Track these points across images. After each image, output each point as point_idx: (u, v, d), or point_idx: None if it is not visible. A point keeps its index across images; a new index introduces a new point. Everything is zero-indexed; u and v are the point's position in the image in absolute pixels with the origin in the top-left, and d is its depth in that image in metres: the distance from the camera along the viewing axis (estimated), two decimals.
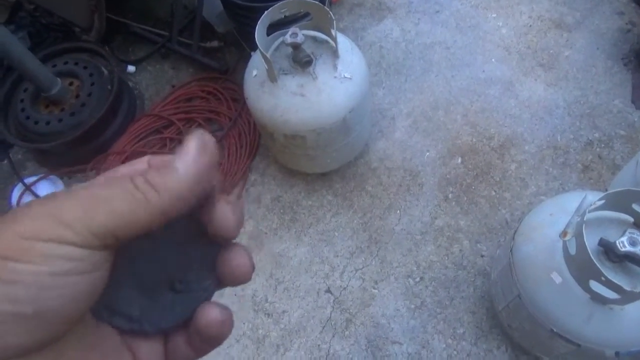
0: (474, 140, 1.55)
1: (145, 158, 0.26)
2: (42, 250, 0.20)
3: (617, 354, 0.90)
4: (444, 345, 1.28)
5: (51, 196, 0.22)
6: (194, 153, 0.24)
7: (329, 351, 1.30)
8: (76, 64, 1.62)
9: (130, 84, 1.78)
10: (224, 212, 0.26)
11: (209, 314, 0.26)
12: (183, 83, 1.76)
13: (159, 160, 0.26)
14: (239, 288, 1.41)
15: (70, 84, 1.61)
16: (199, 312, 0.26)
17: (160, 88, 1.79)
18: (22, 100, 1.56)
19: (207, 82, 1.74)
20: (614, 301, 0.84)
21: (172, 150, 1.60)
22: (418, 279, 1.37)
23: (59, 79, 1.54)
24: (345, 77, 1.20)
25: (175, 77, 1.80)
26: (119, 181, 0.23)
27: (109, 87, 1.59)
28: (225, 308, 0.26)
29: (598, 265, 0.77)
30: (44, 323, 0.20)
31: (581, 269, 0.85)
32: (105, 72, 1.62)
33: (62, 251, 0.20)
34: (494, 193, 1.46)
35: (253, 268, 0.27)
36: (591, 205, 0.85)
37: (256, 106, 1.23)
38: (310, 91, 1.18)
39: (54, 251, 0.20)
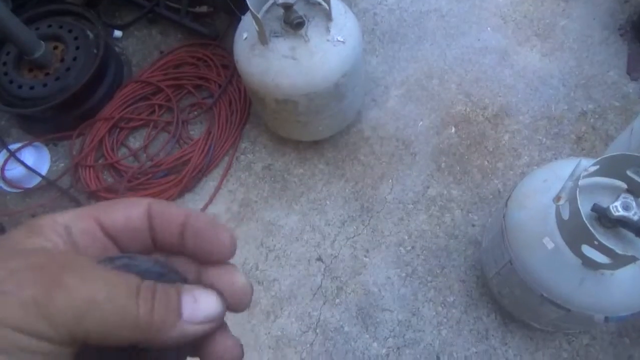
0: (468, 109, 1.53)
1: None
2: (18, 343, 0.19)
3: (606, 318, 0.90)
4: (434, 313, 1.29)
5: (46, 275, 0.20)
6: (204, 314, 0.23)
7: (319, 318, 1.30)
8: (60, 27, 1.56)
9: (117, 49, 1.73)
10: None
11: None
12: (171, 49, 1.71)
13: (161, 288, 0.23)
14: None
15: (55, 47, 1.56)
16: None
17: (148, 54, 1.74)
18: (4, 64, 1.51)
19: (196, 48, 1.69)
20: (605, 266, 0.84)
21: (160, 117, 1.57)
22: (409, 248, 1.36)
23: (42, 42, 1.48)
24: (339, 41, 1.17)
25: (163, 43, 1.76)
26: (123, 283, 0.21)
27: (95, 51, 1.54)
28: None
29: (591, 229, 0.77)
30: None
31: (574, 233, 0.84)
32: (91, 36, 1.57)
33: (37, 346, 0.19)
34: (486, 163, 1.45)
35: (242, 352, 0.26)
36: (585, 170, 0.84)
37: (246, 70, 1.20)
38: (302, 54, 1.15)
39: (30, 346, 0.19)
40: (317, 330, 1.29)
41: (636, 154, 0.81)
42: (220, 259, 0.25)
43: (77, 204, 1.51)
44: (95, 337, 0.20)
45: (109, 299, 0.20)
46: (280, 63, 1.15)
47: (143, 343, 0.21)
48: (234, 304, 0.25)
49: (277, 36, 1.16)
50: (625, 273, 0.86)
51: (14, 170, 1.51)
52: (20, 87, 1.48)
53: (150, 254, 0.26)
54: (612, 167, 0.86)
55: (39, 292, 0.19)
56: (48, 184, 1.53)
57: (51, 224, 0.23)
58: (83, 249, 0.24)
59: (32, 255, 0.21)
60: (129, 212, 0.25)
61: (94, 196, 1.51)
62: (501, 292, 1.13)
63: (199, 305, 0.23)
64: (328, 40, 1.16)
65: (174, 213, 0.25)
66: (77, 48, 1.53)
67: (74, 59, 1.52)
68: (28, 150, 1.55)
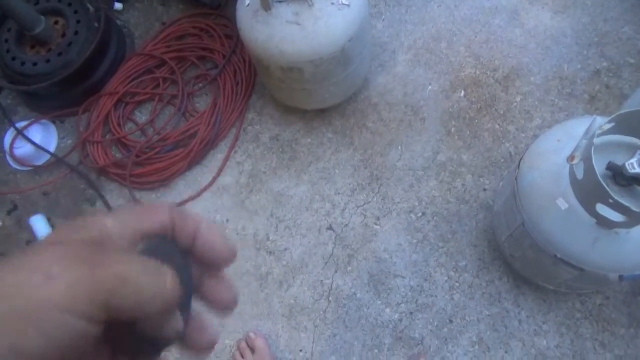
0: (478, 72, 1.49)
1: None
2: (55, 322, 0.21)
3: (620, 277, 0.90)
4: (446, 278, 1.29)
5: (86, 259, 0.22)
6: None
7: (331, 286, 1.31)
8: (59, 0, 1.54)
9: (119, 22, 1.70)
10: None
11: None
12: (173, 20, 1.68)
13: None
14: (239, 227, 1.40)
15: (56, 22, 1.53)
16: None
17: (150, 26, 1.72)
18: (6, 41, 1.50)
19: (199, 18, 1.66)
20: (620, 224, 0.82)
21: (165, 90, 1.56)
22: (420, 214, 1.36)
23: (42, 17, 1.46)
24: (343, 4, 1.14)
25: (165, 14, 1.72)
26: (152, 263, 0.25)
27: (96, 24, 1.52)
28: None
29: (606, 187, 0.75)
30: None
31: (588, 192, 0.82)
32: (91, 9, 1.54)
33: (72, 326, 0.21)
34: (497, 126, 1.42)
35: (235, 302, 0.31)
36: (600, 127, 0.82)
37: (250, 37, 1.18)
38: (306, 19, 1.12)
39: (65, 326, 0.21)
40: (330, 298, 1.30)
41: None
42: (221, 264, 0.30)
43: (87, 180, 1.52)
44: (127, 307, 0.23)
45: (143, 273, 0.23)
46: (284, 29, 1.13)
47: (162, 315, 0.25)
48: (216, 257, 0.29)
49: (280, 1, 1.13)
50: None
51: (23, 148, 1.51)
52: (23, 63, 1.47)
53: None
54: (627, 124, 0.84)
55: (83, 273, 0.22)
56: (57, 160, 1.53)
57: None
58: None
59: (72, 244, 0.24)
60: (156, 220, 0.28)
61: (103, 172, 1.51)
62: (513, 254, 1.13)
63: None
64: (332, 4, 1.13)
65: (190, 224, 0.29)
66: (78, 22, 1.51)
67: (75, 33, 1.50)
68: (35, 127, 1.55)
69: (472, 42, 1.53)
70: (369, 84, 1.51)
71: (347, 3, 1.14)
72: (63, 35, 1.51)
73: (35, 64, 1.47)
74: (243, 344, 1.25)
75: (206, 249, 0.29)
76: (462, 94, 1.47)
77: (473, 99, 1.46)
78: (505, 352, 1.20)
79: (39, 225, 1.46)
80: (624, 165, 0.79)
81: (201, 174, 1.49)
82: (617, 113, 0.81)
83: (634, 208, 0.74)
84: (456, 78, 1.49)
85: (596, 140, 0.81)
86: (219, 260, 0.29)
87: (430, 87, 1.49)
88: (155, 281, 0.24)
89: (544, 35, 1.52)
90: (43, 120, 1.58)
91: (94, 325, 0.22)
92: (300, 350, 1.27)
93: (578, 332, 1.20)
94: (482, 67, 1.50)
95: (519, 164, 0.99)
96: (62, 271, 0.21)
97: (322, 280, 1.32)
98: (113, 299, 0.22)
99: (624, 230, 0.85)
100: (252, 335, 1.25)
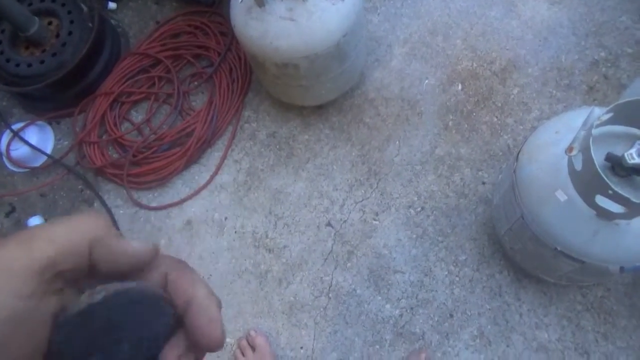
0: (475, 65, 1.48)
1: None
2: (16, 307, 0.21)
3: (621, 269, 0.89)
4: (446, 273, 1.28)
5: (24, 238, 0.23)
6: (134, 246, 0.26)
7: (331, 283, 1.31)
8: (53, 1, 1.53)
9: (113, 22, 1.69)
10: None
11: None
12: (168, 19, 1.67)
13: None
14: (238, 225, 1.40)
15: (49, 23, 1.52)
16: None
17: (145, 25, 1.71)
18: (0, 42, 1.49)
19: (193, 16, 1.65)
20: (620, 216, 0.82)
21: (161, 89, 1.55)
22: (419, 209, 1.35)
23: (36, 17, 1.45)
24: None
25: (159, 13, 1.71)
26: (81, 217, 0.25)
27: (90, 24, 1.51)
28: None
29: (605, 178, 0.74)
30: None
31: (587, 184, 0.82)
32: (85, 9, 1.53)
33: (9, 309, 0.21)
34: (495, 119, 1.42)
35: (224, 336, 0.26)
36: (599, 118, 0.81)
37: (244, 34, 1.17)
38: (300, 15, 1.11)
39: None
40: (330, 295, 1.30)
41: None
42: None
43: (84, 181, 1.51)
44: (67, 260, 0.23)
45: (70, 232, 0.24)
46: (278, 25, 1.12)
47: (99, 259, 0.24)
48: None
49: None
50: None
51: (19, 150, 1.50)
52: (17, 65, 1.46)
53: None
54: (626, 114, 0.83)
55: (22, 251, 0.22)
56: (54, 162, 1.53)
57: None
58: None
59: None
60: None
61: (100, 172, 1.51)
62: (513, 248, 1.12)
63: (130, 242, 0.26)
64: None
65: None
66: (72, 22, 1.50)
67: (69, 33, 1.49)
68: (31, 129, 1.54)
69: (468, 35, 1.52)
70: (366, 79, 1.50)
71: None
72: (57, 35, 1.50)
73: (29, 65, 1.46)
74: (244, 342, 1.24)
75: (194, 331, 0.26)
76: (459, 87, 1.46)
77: (470, 92, 1.45)
78: (507, 345, 1.20)
79: None
80: (623, 155, 0.79)
81: (199, 173, 1.48)
82: (616, 103, 0.80)
83: (633, 199, 0.73)
84: (453, 71, 1.48)
85: (594, 131, 0.80)
86: (202, 346, 0.26)
87: (427, 81, 1.48)
88: (84, 229, 0.24)
89: (540, 27, 1.51)
90: (39, 122, 1.57)
91: (36, 299, 0.22)
92: (301, 348, 1.26)
93: (579, 324, 1.20)
94: (479, 59, 1.49)
95: (518, 156, 0.99)
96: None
97: (322, 277, 1.32)
98: (56, 264, 0.22)
99: (624, 221, 0.84)
100: (252, 333, 1.25)
